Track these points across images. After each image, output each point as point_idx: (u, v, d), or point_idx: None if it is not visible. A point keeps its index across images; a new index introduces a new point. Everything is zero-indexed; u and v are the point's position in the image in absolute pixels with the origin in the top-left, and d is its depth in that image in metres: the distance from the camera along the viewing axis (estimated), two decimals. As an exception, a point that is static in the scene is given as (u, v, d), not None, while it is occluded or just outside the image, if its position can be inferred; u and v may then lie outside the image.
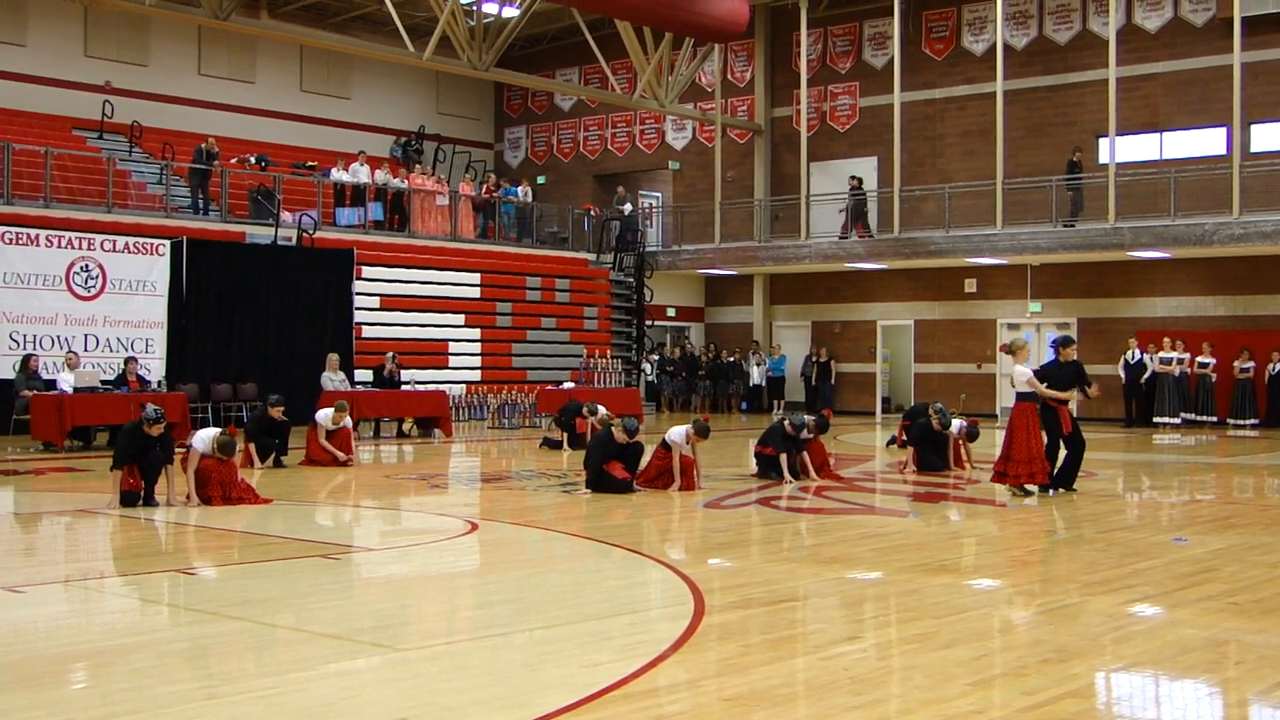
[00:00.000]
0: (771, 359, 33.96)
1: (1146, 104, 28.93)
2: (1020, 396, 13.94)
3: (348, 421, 17.59)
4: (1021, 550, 11.06)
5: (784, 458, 15.25)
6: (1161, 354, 27.27)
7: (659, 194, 38.04)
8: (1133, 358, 27.57)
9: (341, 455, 17.12)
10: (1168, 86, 28.79)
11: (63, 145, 27.44)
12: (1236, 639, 7.25)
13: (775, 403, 33.23)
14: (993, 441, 22.64)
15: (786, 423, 15.60)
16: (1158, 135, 28.90)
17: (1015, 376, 14.00)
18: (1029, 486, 13.86)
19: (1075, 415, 14.54)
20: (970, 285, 31.45)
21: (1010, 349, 14.27)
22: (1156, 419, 27.23)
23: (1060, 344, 14.55)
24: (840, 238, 31.77)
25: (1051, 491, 13.96)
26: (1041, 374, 14.30)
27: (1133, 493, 15.68)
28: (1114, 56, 27.55)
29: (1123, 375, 27.72)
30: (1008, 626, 7.70)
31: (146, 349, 23.06)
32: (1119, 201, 27.31)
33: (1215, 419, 27.03)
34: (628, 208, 34.25)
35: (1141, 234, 27.06)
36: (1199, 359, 27.10)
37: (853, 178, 32.14)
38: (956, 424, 17.22)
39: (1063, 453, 14.42)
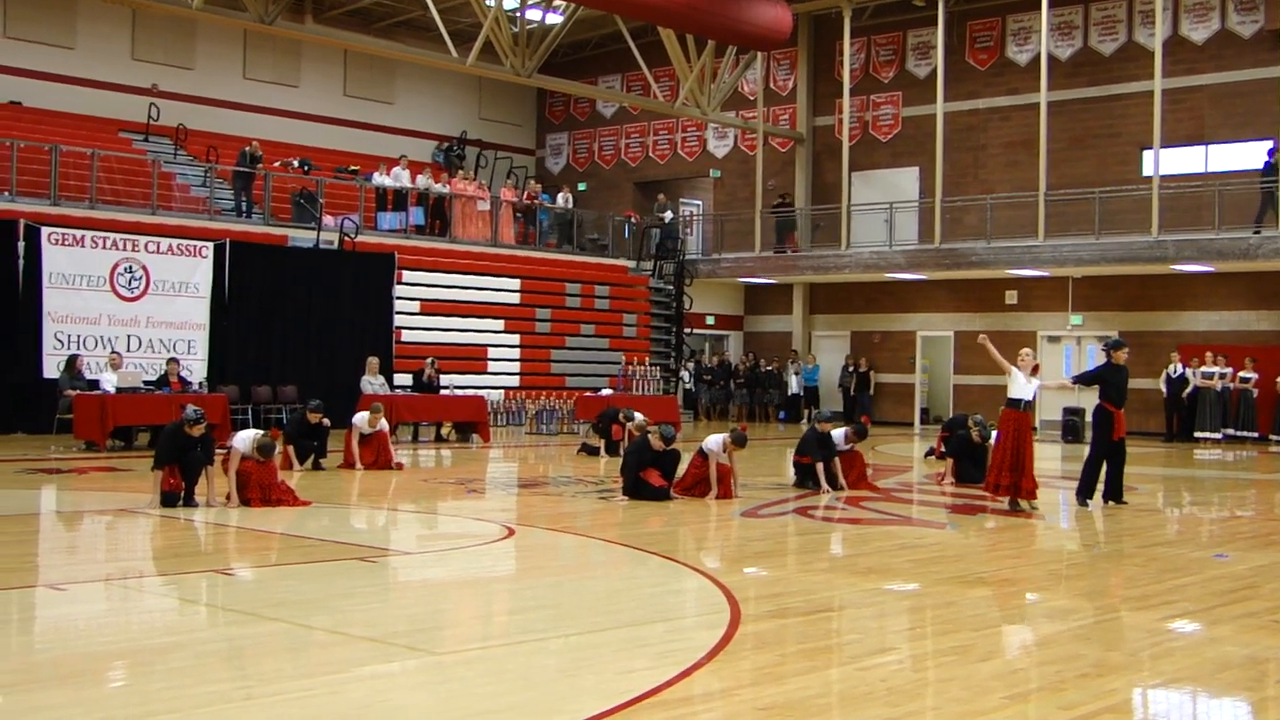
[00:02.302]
0: (805, 368, 33.88)
1: (1191, 116, 28.70)
2: (1009, 403, 13.88)
3: (384, 424, 17.64)
4: (1060, 564, 10.99)
5: (820, 466, 15.21)
6: (1203, 368, 27.03)
7: (700, 202, 38.05)
8: (1174, 372, 27.35)
9: (360, 465, 17.12)
10: (1213, 99, 28.56)
11: (109, 147, 27.69)
12: (1277, 657, 7.18)
13: (806, 411, 33.04)
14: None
15: (816, 424, 15.58)
16: (1203, 148, 28.66)
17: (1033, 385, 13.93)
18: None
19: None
20: (1011, 297, 31.29)
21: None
22: (1197, 434, 26.99)
23: (1113, 347, 14.42)
24: (776, 251, 33.23)
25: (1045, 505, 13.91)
26: (1096, 376, 14.30)
27: (1173, 508, 15.55)
28: (1159, 68, 27.36)
29: (1164, 389, 27.49)
30: (1045, 640, 7.65)
31: (189, 350, 23.23)
32: (1162, 214, 27.13)
33: (1257, 434, 26.76)
34: (668, 215, 34.27)
35: (1185, 247, 26.85)
36: (1241, 374, 26.85)
37: (781, 194, 33.81)
38: (995, 436, 17.10)
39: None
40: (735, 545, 11.57)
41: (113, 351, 21.33)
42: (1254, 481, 19.40)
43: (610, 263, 33.63)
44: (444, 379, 24.68)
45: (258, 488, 12.82)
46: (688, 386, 33.41)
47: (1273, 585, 9.42)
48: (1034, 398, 14.09)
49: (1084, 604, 8.85)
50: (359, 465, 17.06)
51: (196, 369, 22.99)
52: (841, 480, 15.43)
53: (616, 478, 14.94)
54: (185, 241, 23.79)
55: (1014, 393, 13.88)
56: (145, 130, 30.21)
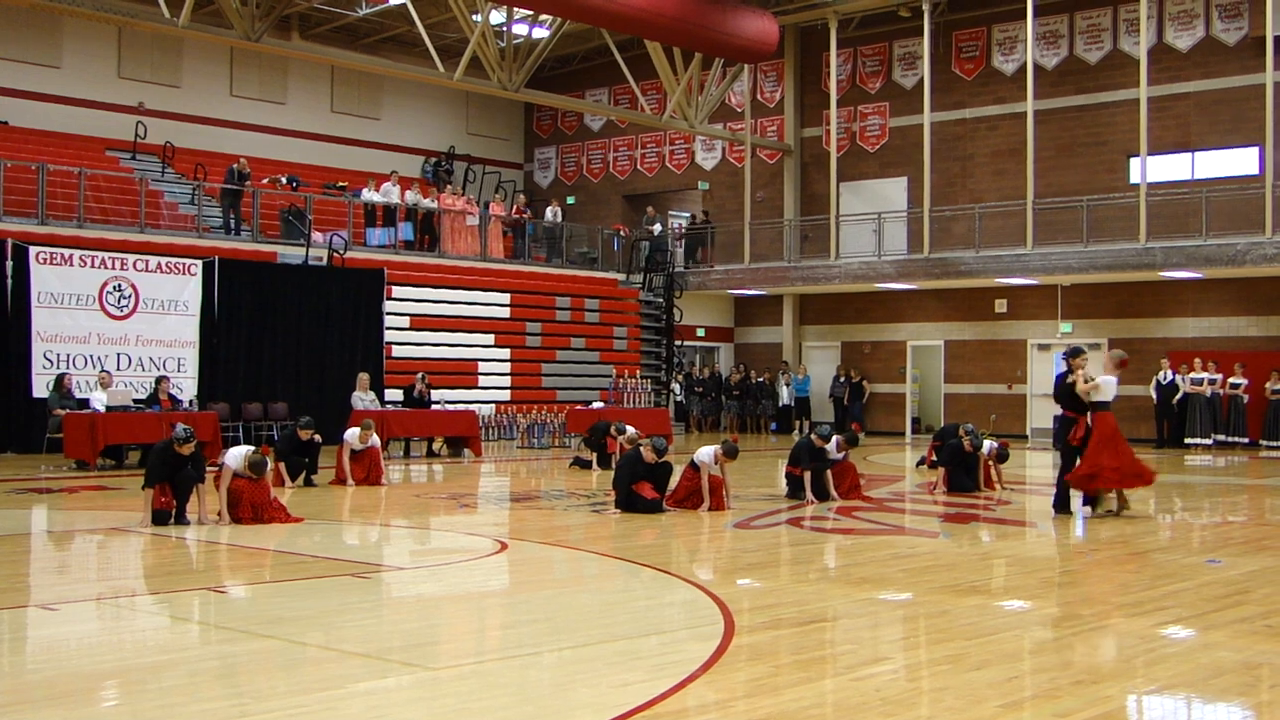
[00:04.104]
0: (796, 379, 33.90)
1: (1178, 123, 28.79)
2: (1101, 406, 13.84)
3: (375, 440, 17.63)
4: (1053, 571, 11.00)
5: (807, 475, 15.17)
6: (1193, 374, 27.09)
7: (688, 214, 38.10)
8: (1164, 378, 27.39)
9: (352, 481, 17.10)
10: (1199, 106, 28.66)
11: (96, 166, 27.67)
12: (1270, 662, 7.19)
13: (797, 423, 33.01)
14: (1023, 462, 22.57)
15: (814, 435, 15.57)
16: (1189, 155, 28.76)
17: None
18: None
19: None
20: (1001, 305, 31.36)
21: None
22: (1188, 440, 27.04)
23: (1071, 354, 14.40)
24: (684, 268, 34.24)
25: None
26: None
27: (1165, 514, 15.56)
28: (1145, 76, 27.44)
29: (1154, 396, 27.53)
30: (1039, 648, 7.65)
31: (179, 368, 23.20)
32: (1150, 221, 27.19)
33: (1247, 440, 26.83)
34: (657, 228, 34.31)
35: (1173, 254, 26.92)
36: (1231, 380, 26.90)
37: (693, 215, 35.41)
38: (987, 445, 17.15)
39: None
40: (728, 557, 11.56)
41: (102, 370, 21.30)
42: (1245, 487, 19.43)
43: (600, 276, 33.66)
44: (435, 394, 24.67)
45: (249, 505, 12.80)
46: (679, 399, 33.42)
47: (1265, 590, 9.44)
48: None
49: (1077, 611, 8.86)
50: (351, 481, 17.03)
51: (187, 387, 22.96)
52: (832, 491, 15.43)
53: (609, 491, 14.92)
54: (174, 259, 23.77)
55: (1104, 396, 13.84)
56: (132, 148, 30.18)
